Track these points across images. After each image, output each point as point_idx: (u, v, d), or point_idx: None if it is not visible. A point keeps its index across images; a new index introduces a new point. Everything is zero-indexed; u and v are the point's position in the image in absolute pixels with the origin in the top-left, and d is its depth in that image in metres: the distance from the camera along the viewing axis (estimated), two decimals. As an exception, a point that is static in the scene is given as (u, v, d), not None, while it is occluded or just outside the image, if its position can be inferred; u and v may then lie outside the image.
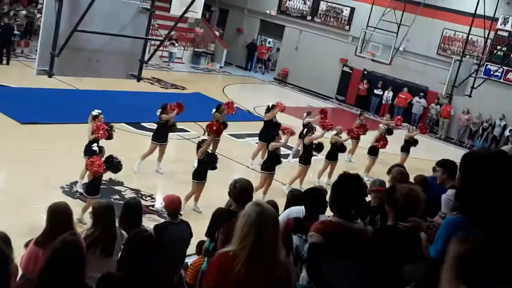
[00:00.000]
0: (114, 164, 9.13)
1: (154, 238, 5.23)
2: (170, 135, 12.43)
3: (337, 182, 4.13)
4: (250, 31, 29.64)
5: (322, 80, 26.31)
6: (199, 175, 10.38)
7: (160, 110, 12.06)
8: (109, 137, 10.25)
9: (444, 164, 6.02)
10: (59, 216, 4.80)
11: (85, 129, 10.57)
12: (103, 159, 9.04)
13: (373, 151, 14.68)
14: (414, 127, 18.34)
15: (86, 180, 10.45)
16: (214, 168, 10.50)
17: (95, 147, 9.27)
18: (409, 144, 15.58)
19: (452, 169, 5.73)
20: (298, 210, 5.45)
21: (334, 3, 26.52)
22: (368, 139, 15.13)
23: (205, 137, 10.95)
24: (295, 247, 4.56)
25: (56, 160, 11.59)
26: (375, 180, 6.69)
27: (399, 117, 17.76)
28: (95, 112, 10.51)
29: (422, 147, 15.87)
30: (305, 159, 12.64)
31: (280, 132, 12.26)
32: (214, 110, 13.24)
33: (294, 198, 6.33)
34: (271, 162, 11.75)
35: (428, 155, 16.40)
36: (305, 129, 13.48)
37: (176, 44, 25.84)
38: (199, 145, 10.31)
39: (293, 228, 4.69)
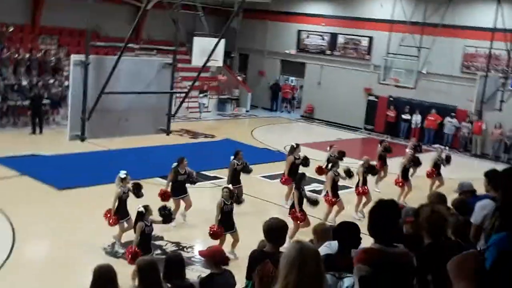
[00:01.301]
0: (166, 214, 9.28)
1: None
2: (203, 184, 12.44)
3: (373, 208, 4.14)
4: (272, 72, 29.95)
5: (349, 111, 26.30)
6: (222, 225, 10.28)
7: (176, 163, 11.90)
8: (137, 195, 10.34)
9: (488, 174, 5.88)
10: (103, 277, 4.85)
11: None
12: (150, 217, 9.11)
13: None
14: (447, 148, 18.11)
15: (124, 240, 10.54)
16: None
17: (140, 208, 9.16)
18: (438, 166, 15.39)
19: (495, 178, 5.59)
20: (330, 246, 5.40)
21: (352, 35, 26.71)
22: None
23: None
24: (329, 286, 4.51)
25: (95, 222, 11.72)
26: (408, 209, 6.59)
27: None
28: (122, 174, 10.46)
29: (459, 166, 15.63)
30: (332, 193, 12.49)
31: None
32: (232, 157, 13.08)
33: (322, 233, 6.25)
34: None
35: (466, 174, 16.11)
36: (329, 163, 13.46)
37: (208, 95, 26.34)
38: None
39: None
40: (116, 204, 10.38)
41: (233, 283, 6.03)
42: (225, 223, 10.25)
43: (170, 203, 11.11)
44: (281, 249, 5.28)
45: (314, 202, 11.53)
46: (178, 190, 11.87)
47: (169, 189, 11.75)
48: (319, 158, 15.20)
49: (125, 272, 8.50)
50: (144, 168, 14.79)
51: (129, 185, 10.53)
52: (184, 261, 5.79)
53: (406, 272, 4.07)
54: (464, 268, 2.47)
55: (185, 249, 10.68)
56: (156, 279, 5.11)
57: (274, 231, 5.11)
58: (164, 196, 11.64)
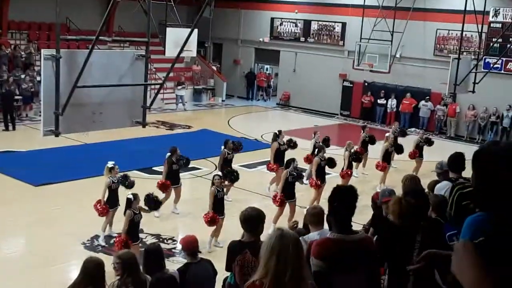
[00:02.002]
0: (152, 200, 9.34)
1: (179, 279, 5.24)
2: (182, 175, 12.44)
3: (332, 196, 4.13)
4: (247, 60, 29.87)
5: (324, 98, 26.38)
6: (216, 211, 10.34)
7: (169, 154, 12.02)
8: (129, 186, 10.33)
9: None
10: (92, 272, 4.85)
11: (98, 182, 10.61)
12: (138, 204, 9.10)
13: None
14: (423, 130, 18.34)
15: (107, 232, 10.51)
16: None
17: (129, 195, 9.15)
18: (420, 148, 15.55)
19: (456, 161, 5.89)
20: (322, 233, 5.41)
21: (325, 21, 26.75)
22: (377, 149, 15.16)
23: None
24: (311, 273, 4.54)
25: (73, 217, 11.64)
26: (385, 189, 6.66)
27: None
28: (110, 164, 10.50)
29: (435, 149, 15.80)
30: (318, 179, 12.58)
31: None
32: (222, 147, 13.25)
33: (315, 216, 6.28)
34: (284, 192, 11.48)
35: (441, 156, 16.31)
36: (316, 150, 13.50)
37: (182, 86, 26.02)
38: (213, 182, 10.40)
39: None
40: (106, 194, 10.35)
41: (211, 272, 6.04)
42: (218, 210, 10.32)
43: (158, 192, 11.11)
44: (262, 237, 5.29)
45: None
46: (171, 180, 11.89)
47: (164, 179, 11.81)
48: (299, 145, 15.24)
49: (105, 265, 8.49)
50: (121, 161, 14.65)
51: (118, 176, 10.52)
52: (162, 251, 5.78)
53: (364, 259, 4.08)
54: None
55: (165, 241, 10.66)
56: (137, 269, 5.12)
57: (251, 220, 5.09)
58: (163, 186, 11.69)
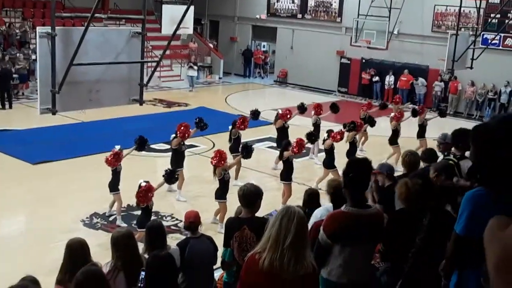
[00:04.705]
0: (170, 175, 9.60)
1: (178, 254, 5.24)
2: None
3: (347, 168, 4.18)
4: (243, 38, 29.69)
5: (322, 75, 26.30)
6: (222, 195, 10.29)
7: (173, 135, 11.87)
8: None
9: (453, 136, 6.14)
10: (75, 252, 4.80)
11: (95, 160, 10.61)
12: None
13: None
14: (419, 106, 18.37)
15: (114, 208, 10.53)
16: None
17: (142, 183, 9.04)
18: (423, 129, 15.37)
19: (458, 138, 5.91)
20: (326, 209, 5.45)
21: (322, -3, 26.54)
22: (382, 126, 15.15)
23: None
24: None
25: (71, 195, 11.66)
26: (383, 164, 6.67)
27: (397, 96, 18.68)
28: (117, 148, 10.56)
29: (434, 126, 15.74)
30: (327, 163, 12.47)
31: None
32: (230, 127, 13.15)
33: (310, 197, 6.33)
34: (287, 172, 11.40)
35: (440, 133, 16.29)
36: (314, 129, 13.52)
37: (195, 67, 25.62)
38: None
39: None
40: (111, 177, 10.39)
41: (212, 247, 6.07)
42: (225, 192, 10.28)
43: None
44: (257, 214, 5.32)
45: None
46: (176, 161, 11.73)
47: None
48: (298, 122, 15.22)
49: (104, 244, 8.51)
50: (118, 139, 14.64)
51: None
52: (164, 228, 5.79)
53: (373, 234, 4.16)
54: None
55: (164, 217, 10.69)
56: (133, 250, 5.01)
57: (250, 196, 5.12)
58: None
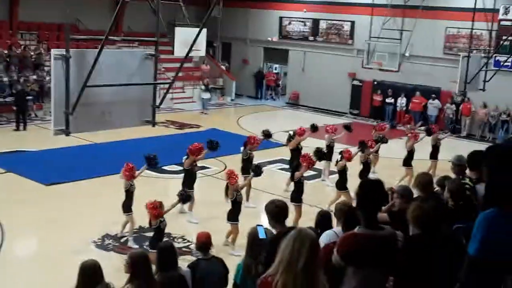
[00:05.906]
0: (185, 195, 9.61)
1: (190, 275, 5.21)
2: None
3: (359, 189, 4.14)
4: (255, 60, 29.88)
5: (334, 97, 26.34)
6: (235, 217, 10.28)
7: (185, 157, 11.89)
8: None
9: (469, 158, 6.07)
10: (89, 273, 4.81)
11: (108, 182, 10.63)
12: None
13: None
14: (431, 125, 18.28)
15: (126, 230, 10.51)
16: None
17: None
18: (436, 149, 15.28)
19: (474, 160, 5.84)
20: (334, 233, 5.40)
21: (334, 20, 26.69)
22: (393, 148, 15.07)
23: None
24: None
25: (84, 216, 11.68)
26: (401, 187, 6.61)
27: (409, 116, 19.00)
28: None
29: (447, 148, 15.63)
30: (339, 185, 12.46)
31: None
32: (242, 148, 13.17)
33: (322, 218, 6.28)
34: (297, 193, 11.33)
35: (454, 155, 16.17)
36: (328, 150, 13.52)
37: (210, 89, 25.70)
38: (227, 186, 10.29)
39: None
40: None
41: (222, 269, 6.04)
42: (237, 213, 10.29)
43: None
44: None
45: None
46: (188, 183, 11.76)
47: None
48: (311, 144, 15.19)
49: (115, 265, 8.50)
50: (131, 161, 14.70)
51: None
52: (175, 249, 5.78)
53: (386, 256, 4.07)
54: None
55: (175, 239, 10.67)
56: (149, 271, 5.04)
57: (286, 209, 5.18)
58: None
